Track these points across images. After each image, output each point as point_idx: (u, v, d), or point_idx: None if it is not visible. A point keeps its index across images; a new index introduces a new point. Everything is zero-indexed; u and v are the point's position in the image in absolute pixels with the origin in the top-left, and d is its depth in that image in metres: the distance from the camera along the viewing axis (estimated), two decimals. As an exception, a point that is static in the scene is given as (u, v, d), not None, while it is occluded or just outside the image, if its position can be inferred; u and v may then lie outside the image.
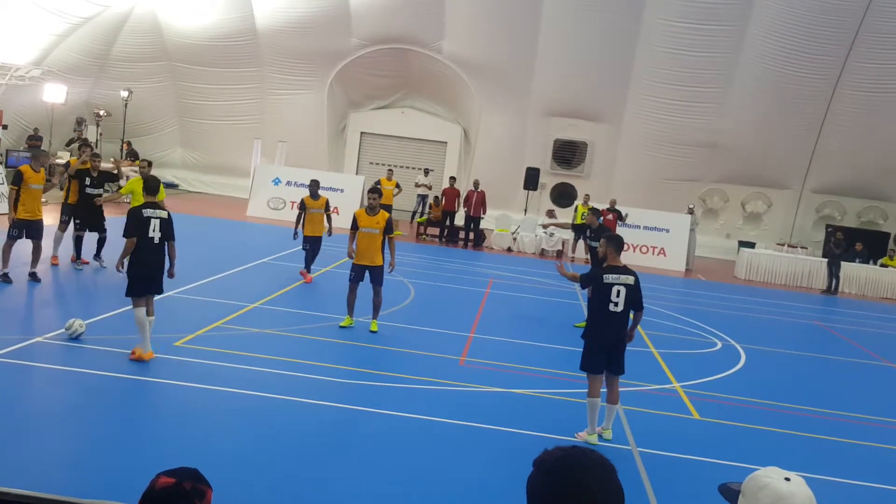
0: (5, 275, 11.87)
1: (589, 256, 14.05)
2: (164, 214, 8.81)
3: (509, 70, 26.90)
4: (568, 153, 28.67)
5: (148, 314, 8.71)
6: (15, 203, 12.07)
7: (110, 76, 27.90)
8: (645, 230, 24.10)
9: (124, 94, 26.27)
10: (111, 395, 7.69)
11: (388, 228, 11.13)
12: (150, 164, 14.10)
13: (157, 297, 9.00)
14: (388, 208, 22.96)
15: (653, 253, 24.13)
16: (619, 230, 20.95)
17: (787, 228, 28.80)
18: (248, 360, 9.12)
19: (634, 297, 7.78)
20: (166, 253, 8.93)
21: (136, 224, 8.62)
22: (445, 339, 11.50)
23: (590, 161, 28.63)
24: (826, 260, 23.27)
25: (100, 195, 13.84)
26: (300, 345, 10.28)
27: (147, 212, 8.70)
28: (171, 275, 9.03)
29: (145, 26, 26.94)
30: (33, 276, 12.14)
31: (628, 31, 24.84)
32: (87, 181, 13.63)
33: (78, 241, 13.75)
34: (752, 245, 26.60)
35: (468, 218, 23.97)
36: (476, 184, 24.03)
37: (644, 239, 24.06)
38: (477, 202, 23.69)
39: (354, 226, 11.17)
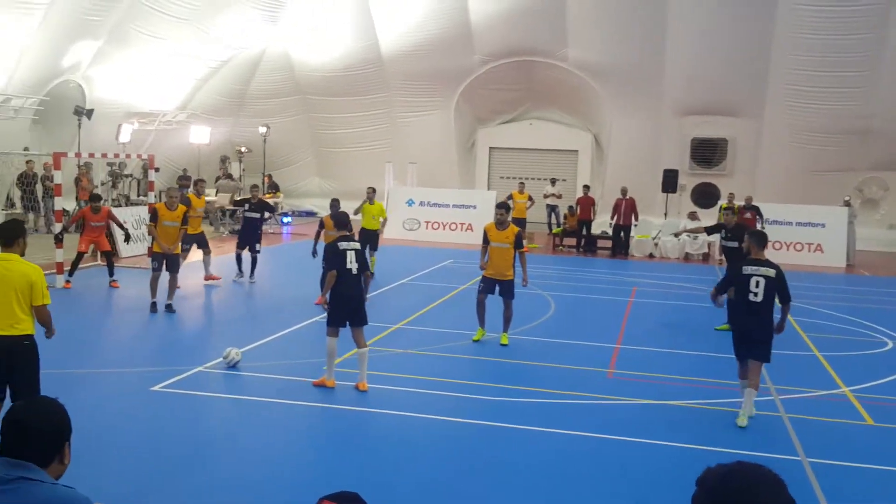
0: (153, 304, 12.62)
1: (724, 257, 13.36)
2: (357, 246, 8.97)
3: (638, 71, 26.23)
4: (707, 151, 27.59)
5: (359, 345, 8.86)
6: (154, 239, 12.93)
7: (248, 114, 29.35)
8: (798, 226, 22.78)
9: (262, 129, 27.50)
10: (271, 419, 7.93)
11: (518, 243, 11.12)
12: (374, 189, 15.90)
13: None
14: (523, 222, 22.81)
15: (808, 250, 22.74)
16: (759, 227, 19.93)
17: (958, 214, 26.48)
18: (392, 380, 9.20)
19: (778, 289, 8.09)
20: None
21: (335, 258, 8.82)
22: (590, 350, 11.21)
23: (731, 158, 27.43)
24: None
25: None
26: (444, 363, 10.27)
27: (342, 244, 8.87)
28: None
29: (278, 64, 28.22)
30: (169, 308, 12.72)
31: (761, 19, 23.67)
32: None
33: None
34: (918, 234, 24.63)
35: (617, 227, 23.38)
36: (624, 191, 23.34)
37: (797, 236, 22.73)
38: (626, 209, 23.10)
39: (486, 240, 11.27)
